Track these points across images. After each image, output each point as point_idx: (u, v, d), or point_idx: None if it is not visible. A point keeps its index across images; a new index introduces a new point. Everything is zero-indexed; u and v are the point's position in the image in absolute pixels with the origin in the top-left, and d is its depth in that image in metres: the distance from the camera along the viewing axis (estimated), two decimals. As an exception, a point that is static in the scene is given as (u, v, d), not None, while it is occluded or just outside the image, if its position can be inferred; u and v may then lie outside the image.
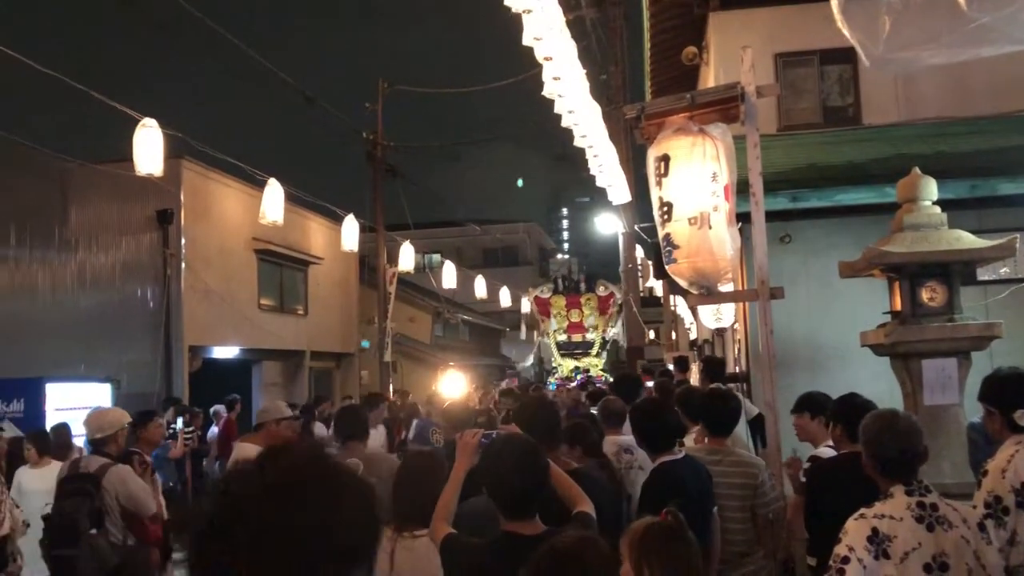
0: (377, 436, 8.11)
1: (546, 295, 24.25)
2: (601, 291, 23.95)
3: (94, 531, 4.94)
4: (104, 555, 4.92)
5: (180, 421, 10.60)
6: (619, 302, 22.23)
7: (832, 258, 5.76)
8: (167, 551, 5.52)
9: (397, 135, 18.51)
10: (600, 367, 23.84)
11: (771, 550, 4.42)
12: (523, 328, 25.54)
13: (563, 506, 2.92)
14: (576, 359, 23.99)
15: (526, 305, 25.32)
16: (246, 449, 5.18)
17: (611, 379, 20.76)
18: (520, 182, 59.99)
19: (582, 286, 24.61)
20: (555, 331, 24.02)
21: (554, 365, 24.45)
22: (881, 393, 4.94)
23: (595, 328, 23.89)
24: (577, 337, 23.99)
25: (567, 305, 24.05)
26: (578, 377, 22.18)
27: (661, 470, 4.00)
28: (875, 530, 2.74)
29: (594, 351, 23.98)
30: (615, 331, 24.17)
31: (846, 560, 2.72)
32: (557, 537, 2.22)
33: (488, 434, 3.15)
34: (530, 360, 29.08)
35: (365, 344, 20.33)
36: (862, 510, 2.83)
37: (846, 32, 3.22)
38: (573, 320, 24.02)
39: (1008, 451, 3.34)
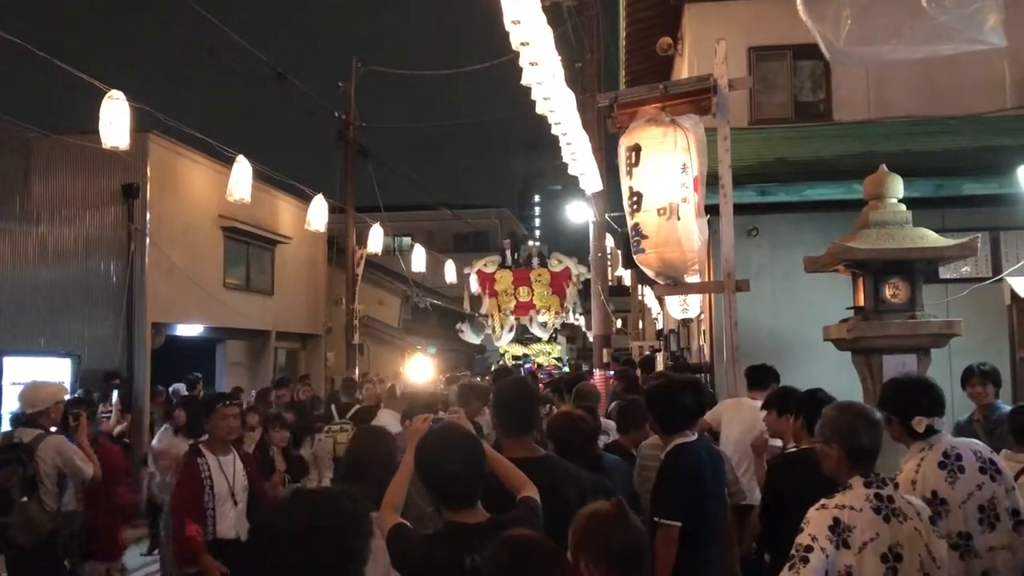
0: None
1: (490, 269, 20.41)
2: (555, 265, 20.35)
3: (25, 499, 5.05)
4: (37, 522, 5.07)
5: (115, 395, 10.32)
6: (580, 279, 19.79)
7: (798, 252, 5.81)
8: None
9: (370, 116, 18.36)
10: (554, 355, 20.86)
11: (730, 543, 4.44)
12: (466, 303, 21.46)
13: (508, 493, 2.89)
14: (524, 345, 20.66)
15: (473, 283, 21.35)
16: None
17: (566, 371, 18.93)
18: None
19: (534, 260, 20.65)
20: (501, 312, 20.41)
21: (500, 352, 20.96)
22: (842, 388, 4.98)
23: (547, 309, 20.28)
24: (526, 319, 20.45)
25: (515, 282, 20.26)
26: (525, 366, 19.30)
27: (678, 451, 3.91)
28: (836, 520, 2.78)
29: (546, 336, 20.75)
30: (573, 312, 21.03)
31: (809, 549, 2.75)
32: (509, 532, 2.19)
33: (439, 419, 3.11)
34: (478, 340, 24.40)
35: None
36: (823, 500, 2.86)
37: (808, 24, 3.26)
38: (522, 299, 20.24)
39: (914, 461, 3.36)
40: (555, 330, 20.68)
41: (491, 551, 2.07)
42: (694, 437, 4.01)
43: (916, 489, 3.26)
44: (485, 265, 20.64)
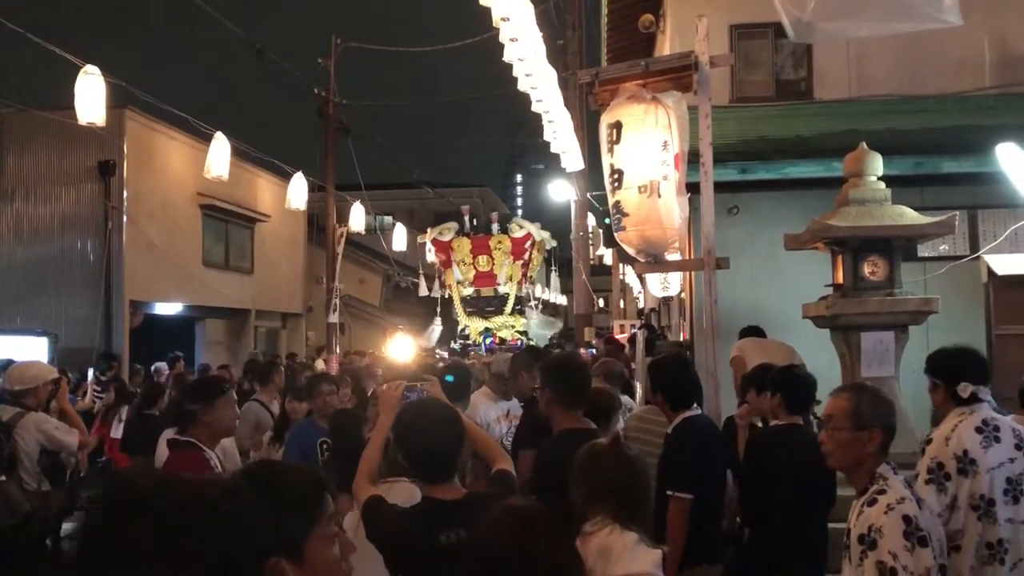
0: None
1: (447, 237, 18.85)
2: (515, 231, 18.79)
3: (3, 478, 4.95)
4: (15, 501, 4.96)
5: (91, 372, 10.27)
6: (545, 246, 18.81)
7: (778, 230, 5.82)
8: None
9: (352, 94, 18.14)
10: (518, 329, 19.06)
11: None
12: (422, 281, 20.01)
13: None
14: (486, 318, 18.96)
15: (430, 253, 19.45)
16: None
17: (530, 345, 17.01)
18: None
19: (493, 227, 19.05)
20: (459, 283, 18.84)
21: (460, 326, 19.36)
22: (821, 364, 5.02)
23: (509, 279, 18.73)
24: (487, 291, 18.76)
25: (473, 250, 18.74)
26: (487, 342, 17.97)
27: (687, 424, 3.94)
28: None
29: (508, 308, 18.89)
30: (547, 286, 19.82)
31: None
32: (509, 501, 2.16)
33: (411, 386, 3.09)
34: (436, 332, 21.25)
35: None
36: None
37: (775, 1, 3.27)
38: (481, 269, 18.74)
39: (952, 421, 3.45)
40: (517, 300, 19.10)
41: (495, 518, 2.01)
42: (699, 411, 4.06)
43: (948, 445, 3.35)
44: (440, 233, 19.06)
